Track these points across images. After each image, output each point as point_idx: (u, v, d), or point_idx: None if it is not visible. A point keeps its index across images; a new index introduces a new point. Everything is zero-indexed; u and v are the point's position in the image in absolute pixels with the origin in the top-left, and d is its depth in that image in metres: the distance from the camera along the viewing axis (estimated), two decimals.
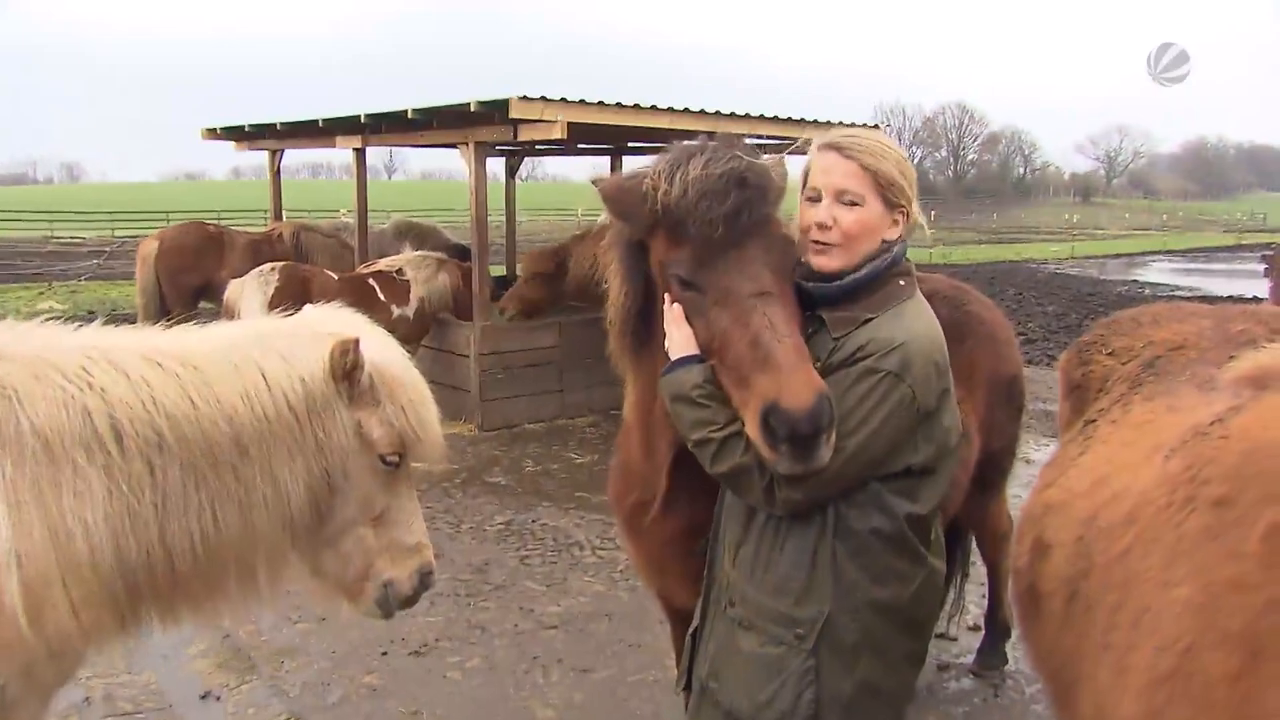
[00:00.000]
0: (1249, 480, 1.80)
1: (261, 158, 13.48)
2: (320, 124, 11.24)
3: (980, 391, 3.95)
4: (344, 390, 2.50)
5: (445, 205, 52.92)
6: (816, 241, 2.43)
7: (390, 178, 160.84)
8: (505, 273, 14.32)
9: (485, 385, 10.02)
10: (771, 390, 2.16)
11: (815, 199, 2.44)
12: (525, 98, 8.49)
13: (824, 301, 2.45)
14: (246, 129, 12.47)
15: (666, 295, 2.48)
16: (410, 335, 10.03)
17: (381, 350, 2.64)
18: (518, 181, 14.81)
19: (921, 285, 3.95)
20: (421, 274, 10.31)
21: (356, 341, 2.49)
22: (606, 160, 14.42)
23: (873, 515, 2.35)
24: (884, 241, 2.47)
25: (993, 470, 4.21)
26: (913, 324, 2.40)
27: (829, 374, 2.33)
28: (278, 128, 11.96)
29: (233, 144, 13.28)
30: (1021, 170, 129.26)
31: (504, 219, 15.20)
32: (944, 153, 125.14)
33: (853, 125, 2.27)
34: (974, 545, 4.91)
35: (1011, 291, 23.99)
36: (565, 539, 6.90)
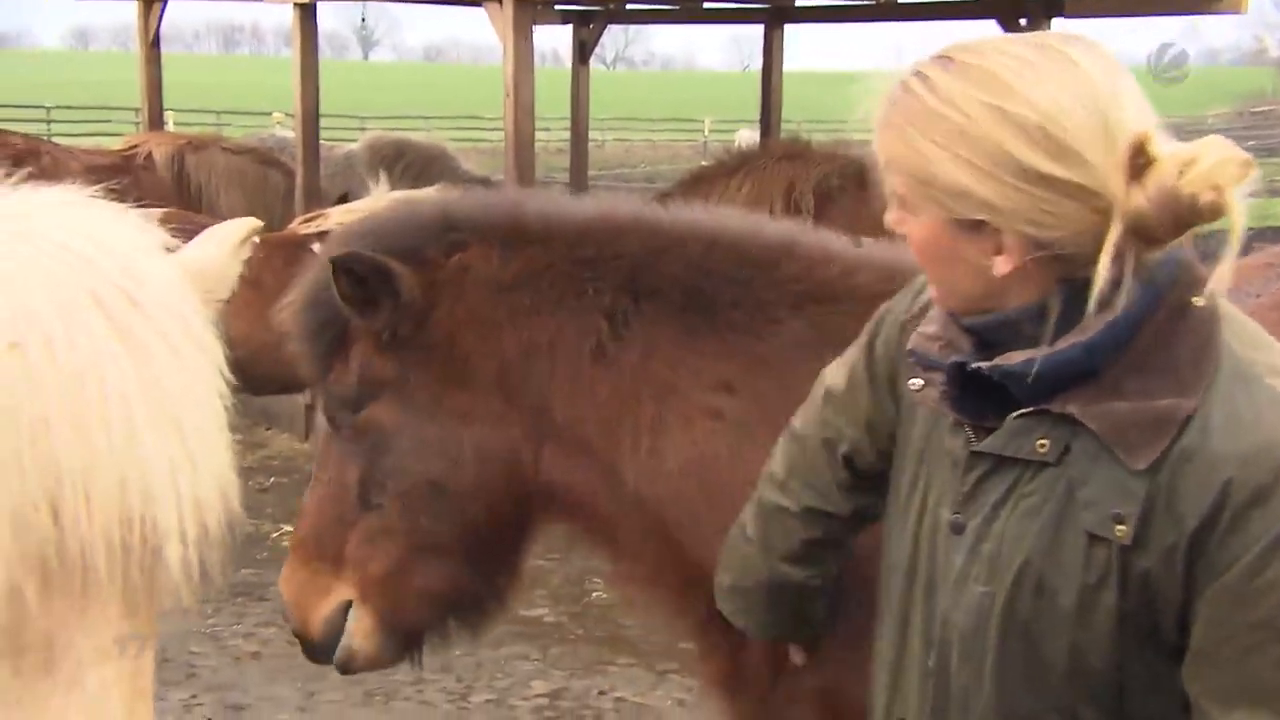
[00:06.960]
0: None
1: (125, 12, 12.29)
2: None
3: None
4: None
5: (464, 108, 51.41)
6: None
7: (367, 56, 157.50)
8: None
9: None
10: None
11: None
12: None
13: (1014, 380, 1.91)
14: None
15: None
16: None
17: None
18: (595, 68, 13.79)
19: None
20: None
21: None
22: (758, 31, 13.75)
23: None
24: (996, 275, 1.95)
25: None
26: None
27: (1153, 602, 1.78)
28: None
29: None
30: None
31: (570, 134, 14.47)
32: None
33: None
34: None
35: None
36: None
